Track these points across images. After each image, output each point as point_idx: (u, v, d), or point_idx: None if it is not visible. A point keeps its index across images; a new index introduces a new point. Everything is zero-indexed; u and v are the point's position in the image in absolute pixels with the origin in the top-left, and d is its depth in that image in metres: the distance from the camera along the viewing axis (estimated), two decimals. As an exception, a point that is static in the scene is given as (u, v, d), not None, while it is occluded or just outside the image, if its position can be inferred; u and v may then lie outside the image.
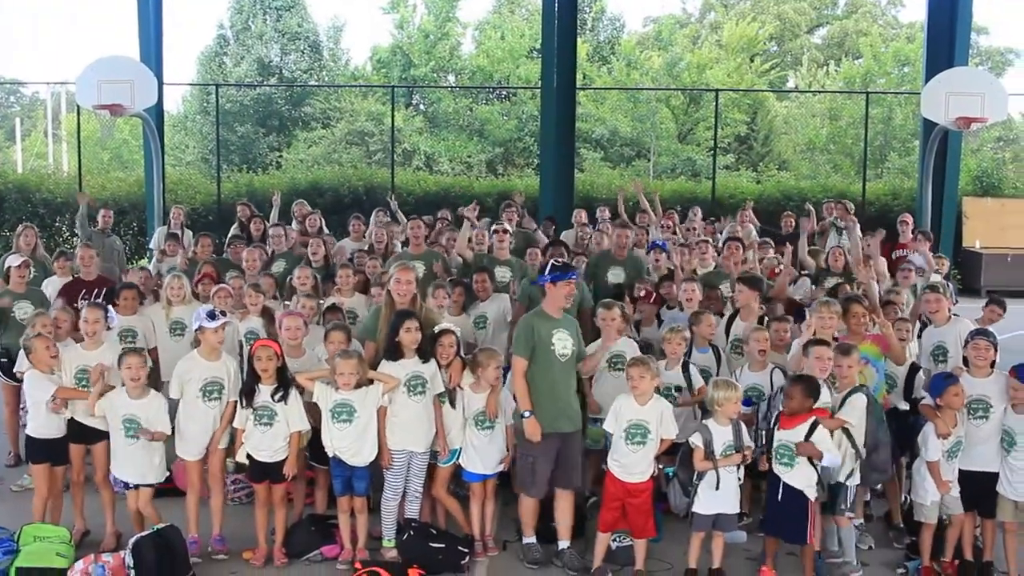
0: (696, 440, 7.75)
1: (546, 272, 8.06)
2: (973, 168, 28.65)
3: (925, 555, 8.00)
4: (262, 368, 8.02)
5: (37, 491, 8.43)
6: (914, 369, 8.98)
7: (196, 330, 8.20)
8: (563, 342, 7.95)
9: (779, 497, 7.66)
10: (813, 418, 7.57)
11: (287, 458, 8.12)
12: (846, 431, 7.75)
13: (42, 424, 8.31)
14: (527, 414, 7.87)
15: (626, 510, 7.83)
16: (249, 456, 8.17)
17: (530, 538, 8.20)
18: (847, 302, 9.14)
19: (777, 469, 7.68)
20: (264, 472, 8.17)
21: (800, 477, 7.59)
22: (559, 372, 7.97)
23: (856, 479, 7.85)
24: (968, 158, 28.49)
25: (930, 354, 9.14)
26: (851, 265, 11.46)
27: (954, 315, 9.48)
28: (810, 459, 7.54)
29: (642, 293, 10.50)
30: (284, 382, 8.09)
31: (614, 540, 8.07)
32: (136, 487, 8.16)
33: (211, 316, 8.17)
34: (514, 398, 8.15)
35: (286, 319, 8.92)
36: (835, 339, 8.52)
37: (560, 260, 8.19)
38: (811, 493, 7.60)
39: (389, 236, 13.42)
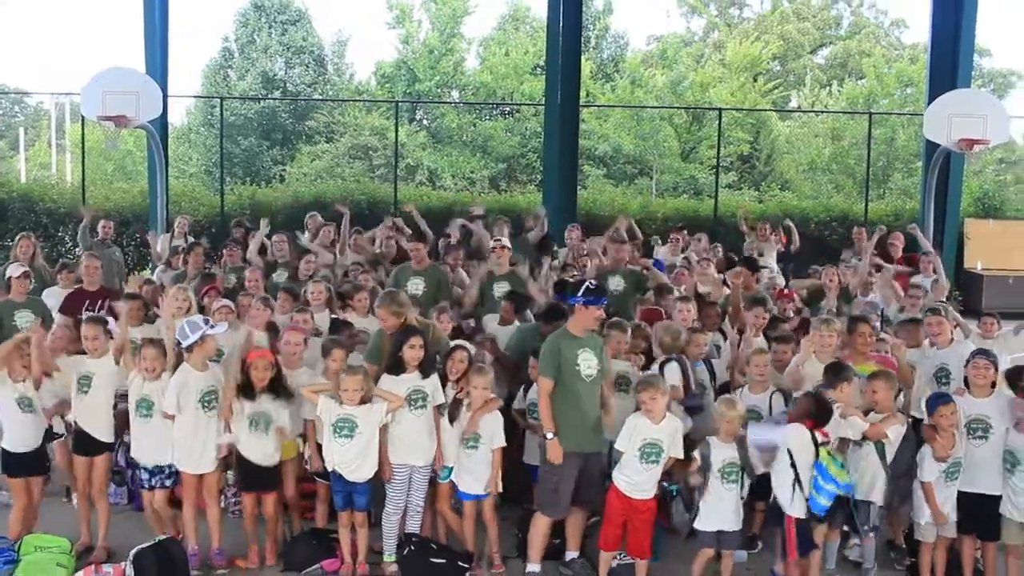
0: (695, 453, 7.82)
1: (579, 293, 8.00)
2: (975, 190, 28.63)
3: (925, 574, 8.00)
4: (259, 377, 8.09)
5: (16, 504, 8.44)
6: None
7: (192, 342, 8.07)
8: (588, 362, 7.93)
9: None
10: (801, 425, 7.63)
11: (279, 464, 8.27)
12: (879, 448, 7.79)
13: (16, 437, 8.30)
14: (550, 436, 7.87)
15: (628, 528, 7.85)
16: (240, 460, 8.23)
17: (535, 566, 8.16)
18: (853, 321, 9.19)
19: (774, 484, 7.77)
20: (256, 478, 8.25)
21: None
22: (584, 392, 7.94)
23: (880, 497, 7.88)
24: (970, 179, 28.48)
25: (932, 376, 9.14)
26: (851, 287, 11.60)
27: (956, 338, 9.51)
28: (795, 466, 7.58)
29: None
30: (278, 391, 8.17)
31: (615, 558, 8.08)
32: (151, 488, 8.20)
33: (210, 324, 8.21)
34: (524, 417, 8.17)
35: (287, 333, 8.95)
36: (835, 359, 8.57)
37: (594, 283, 8.14)
38: (783, 500, 7.67)
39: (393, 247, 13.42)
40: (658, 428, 7.77)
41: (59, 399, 8.58)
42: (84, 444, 8.43)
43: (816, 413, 7.67)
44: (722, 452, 7.80)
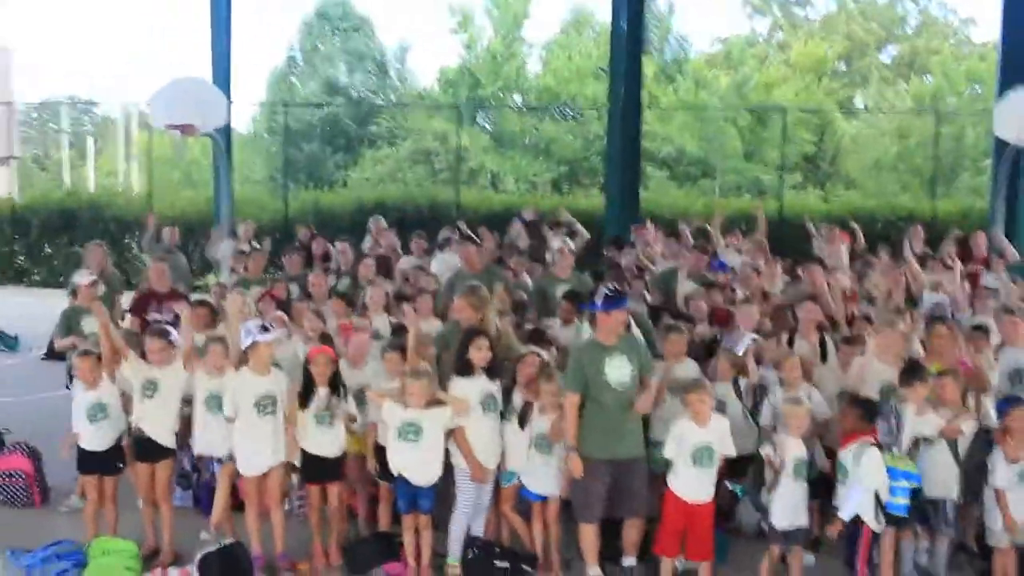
0: (766, 450, 7.80)
1: (598, 301, 7.90)
2: (1047, 187, 28.13)
3: (998, 580, 7.87)
4: (319, 373, 8.16)
5: (88, 501, 8.54)
6: None
7: (248, 346, 8.13)
8: (619, 370, 7.81)
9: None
10: (864, 440, 7.50)
11: (345, 454, 8.39)
12: (952, 446, 7.72)
13: (91, 436, 8.42)
14: (570, 450, 7.80)
15: (687, 533, 7.78)
16: (304, 455, 8.29)
17: (594, 568, 8.06)
18: (933, 322, 9.06)
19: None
20: (321, 469, 8.33)
21: (852, 500, 7.52)
22: (613, 400, 7.82)
23: (955, 494, 7.77)
24: (1042, 177, 27.97)
25: (1007, 377, 8.95)
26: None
27: None
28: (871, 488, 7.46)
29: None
30: (338, 386, 8.26)
31: (678, 562, 8.00)
32: None
33: (264, 329, 8.23)
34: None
35: (355, 335, 9.00)
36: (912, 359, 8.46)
37: (613, 287, 8.05)
38: (867, 518, 7.53)
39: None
40: (706, 431, 7.70)
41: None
42: (146, 450, 8.51)
43: (868, 417, 7.63)
44: (792, 448, 7.74)
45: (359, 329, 9.30)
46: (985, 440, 7.85)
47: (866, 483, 7.46)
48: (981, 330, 9.58)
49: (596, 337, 7.99)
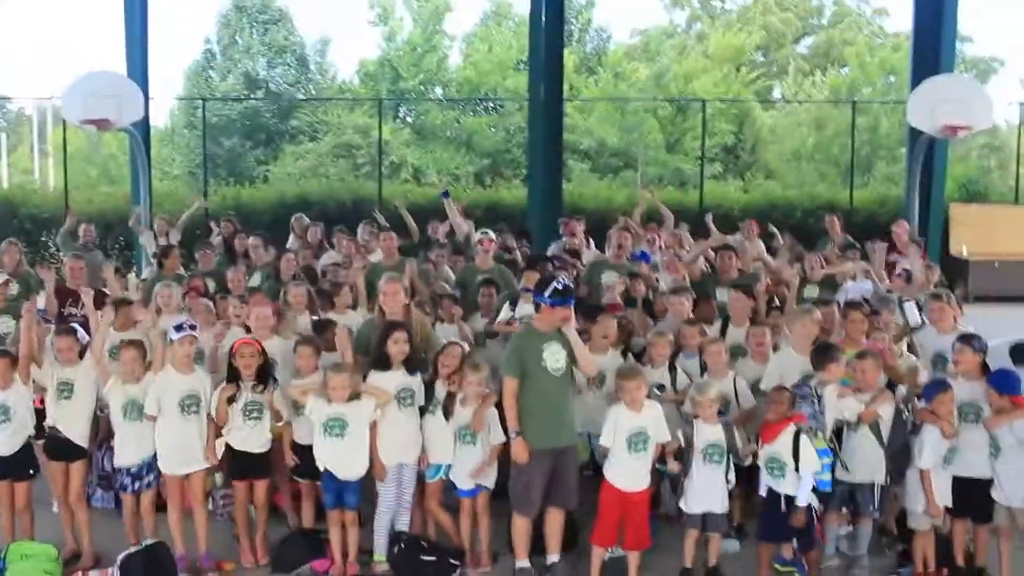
0: (680, 435, 7.90)
1: (546, 293, 7.84)
2: (959, 175, 28.69)
3: (918, 562, 8.00)
4: (244, 365, 8.09)
5: (2, 507, 8.30)
6: None
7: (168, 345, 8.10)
8: (555, 356, 7.83)
9: (781, 508, 7.69)
10: (792, 426, 7.60)
11: (272, 449, 8.34)
12: (874, 429, 7.82)
13: None
14: (514, 435, 7.80)
15: (624, 521, 7.81)
16: (230, 451, 8.23)
17: (523, 562, 8.06)
18: (847, 308, 9.22)
19: (769, 481, 7.72)
20: (248, 466, 8.27)
21: (792, 486, 7.61)
22: (553, 387, 7.84)
23: (883, 477, 7.89)
24: (955, 165, 28.53)
25: (930, 361, 9.12)
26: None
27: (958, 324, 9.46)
28: (796, 467, 7.56)
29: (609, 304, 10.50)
30: (266, 379, 8.20)
31: (608, 552, 8.05)
32: (135, 492, 8.15)
33: (177, 328, 8.12)
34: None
35: (254, 308, 9.01)
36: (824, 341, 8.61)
37: (564, 283, 8.05)
38: (808, 499, 7.63)
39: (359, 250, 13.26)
40: (640, 416, 7.74)
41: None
42: (61, 450, 8.30)
43: (794, 403, 7.78)
44: (705, 433, 7.86)
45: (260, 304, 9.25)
46: (905, 422, 7.99)
47: (809, 468, 7.57)
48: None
49: (533, 324, 8.02)
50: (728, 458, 7.91)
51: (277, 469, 8.68)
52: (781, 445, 7.64)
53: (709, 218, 15.44)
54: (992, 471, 7.80)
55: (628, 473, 7.76)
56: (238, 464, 8.33)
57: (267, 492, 8.49)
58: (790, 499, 7.64)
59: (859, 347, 8.55)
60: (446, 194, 15.42)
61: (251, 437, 8.22)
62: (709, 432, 7.88)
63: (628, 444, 7.71)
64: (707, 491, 7.89)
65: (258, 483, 8.36)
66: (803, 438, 7.58)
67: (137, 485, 8.16)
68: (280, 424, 8.41)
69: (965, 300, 19.35)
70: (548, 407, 7.85)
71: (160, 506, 8.42)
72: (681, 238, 14.42)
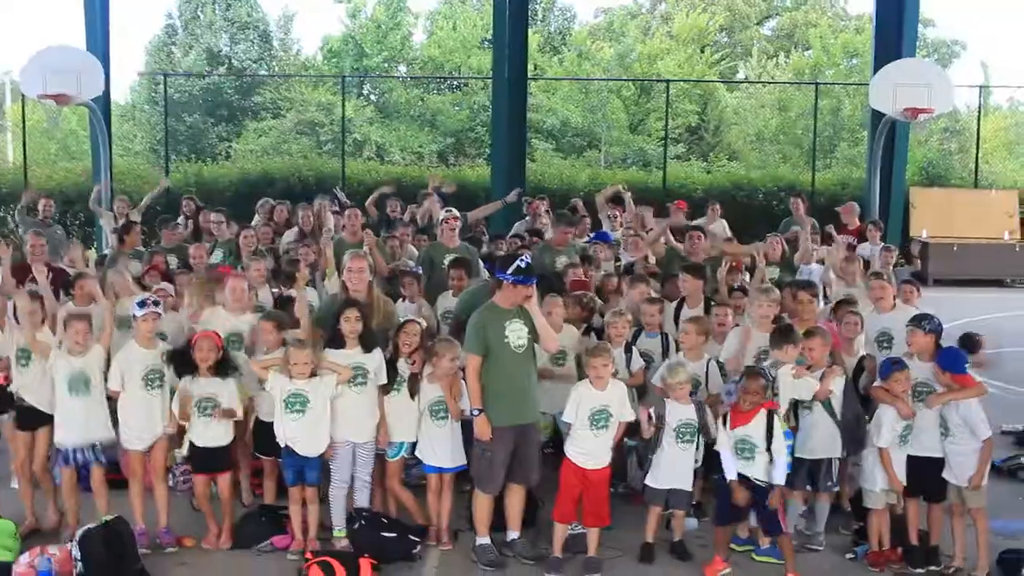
0: (651, 411, 7.96)
1: (508, 271, 7.85)
2: (920, 159, 28.97)
3: (874, 541, 8.08)
4: (202, 359, 8.04)
5: None
6: (861, 361, 9.04)
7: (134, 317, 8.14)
8: (517, 333, 7.86)
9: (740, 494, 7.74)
10: (765, 410, 7.66)
11: (231, 443, 8.29)
12: (827, 405, 7.95)
13: None
14: (476, 412, 7.82)
15: (583, 498, 7.85)
16: (192, 446, 8.19)
17: (484, 538, 8.08)
18: (796, 288, 9.31)
19: (739, 465, 7.76)
20: (208, 460, 8.20)
21: (761, 469, 7.68)
22: (515, 364, 7.88)
23: (838, 451, 8.01)
24: (915, 149, 28.80)
25: (874, 340, 9.23)
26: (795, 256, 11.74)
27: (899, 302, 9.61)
28: (768, 448, 7.63)
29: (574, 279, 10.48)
30: (225, 372, 8.16)
31: (568, 528, 8.09)
32: (77, 465, 8.12)
33: (141, 304, 8.13)
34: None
35: (231, 280, 9.01)
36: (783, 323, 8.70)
37: (526, 262, 8.05)
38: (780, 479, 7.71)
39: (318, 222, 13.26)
40: (604, 394, 7.78)
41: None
42: (29, 418, 8.28)
43: (769, 387, 7.81)
44: (679, 412, 7.93)
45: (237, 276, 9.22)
46: (855, 395, 8.12)
47: (782, 450, 7.65)
48: (847, 303, 9.84)
49: (495, 302, 8.02)
50: (697, 438, 8.01)
51: (238, 446, 8.66)
52: (754, 428, 7.68)
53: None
54: (942, 451, 7.91)
55: (589, 450, 7.80)
56: (198, 459, 8.28)
57: (230, 483, 8.39)
58: (751, 482, 7.69)
59: (808, 325, 8.64)
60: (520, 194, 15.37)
61: (206, 433, 8.14)
62: (682, 411, 7.95)
63: (590, 420, 7.74)
64: (675, 469, 7.97)
65: (221, 476, 8.29)
66: (776, 421, 7.66)
67: (81, 457, 8.11)
68: (244, 400, 8.37)
69: (924, 283, 19.55)
70: (511, 384, 7.88)
71: (117, 482, 8.41)
72: (643, 218, 14.44)
